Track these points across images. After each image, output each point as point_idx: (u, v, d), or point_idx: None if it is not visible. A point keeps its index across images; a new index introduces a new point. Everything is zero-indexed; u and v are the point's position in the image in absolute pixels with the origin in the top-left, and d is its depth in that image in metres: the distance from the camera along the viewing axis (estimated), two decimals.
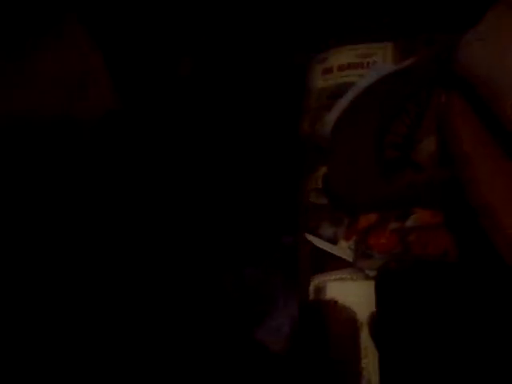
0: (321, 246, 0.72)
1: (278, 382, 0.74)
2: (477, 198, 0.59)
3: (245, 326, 0.80)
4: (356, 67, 0.93)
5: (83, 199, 0.93)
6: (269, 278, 0.84)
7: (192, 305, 0.82)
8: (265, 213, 0.89)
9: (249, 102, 1.09)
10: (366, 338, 0.64)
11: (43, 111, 1.03)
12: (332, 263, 0.71)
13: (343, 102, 0.81)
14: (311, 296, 0.70)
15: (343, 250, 0.71)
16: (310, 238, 0.73)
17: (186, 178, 0.97)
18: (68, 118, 1.06)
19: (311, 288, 0.71)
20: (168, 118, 1.09)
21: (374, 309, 0.63)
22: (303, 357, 0.70)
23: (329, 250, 0.72)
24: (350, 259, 0.70)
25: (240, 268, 0.85)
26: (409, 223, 0.68)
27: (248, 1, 1.12)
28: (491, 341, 0.56)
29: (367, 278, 0.68)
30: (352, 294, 0.68)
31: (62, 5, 1.05)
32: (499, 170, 0.60)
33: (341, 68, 0.95)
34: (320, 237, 0.74)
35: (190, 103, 1.11)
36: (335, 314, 0.68)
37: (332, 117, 0.78)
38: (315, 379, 0.68)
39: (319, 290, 0.70)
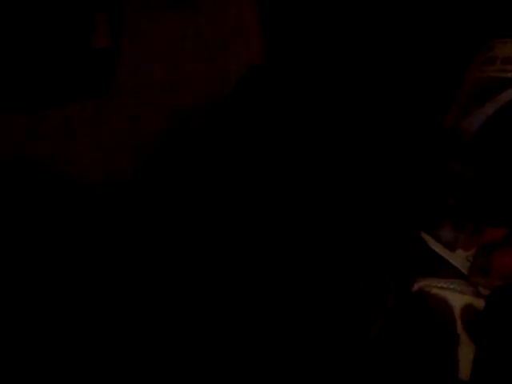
0: (436, 249, 0.67)
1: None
2: None
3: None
4: None
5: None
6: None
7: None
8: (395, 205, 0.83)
9: (401, 79, 1.02)
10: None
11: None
12: (443, 269, 0.66)
13: (500, 101, 0.73)
14: (412, 297, 0.66)
15: (460, 259, 0.66)
16: (427, 237, 0.68)
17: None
18: (210, 72, 1.04)
19: (414, 289, 0.67)
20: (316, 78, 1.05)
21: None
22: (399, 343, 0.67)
23: (443, 255, 0.67)
24: (465, 271, 0.64)
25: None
26: None
27: None
28: None
29: (478, 295, 0.62)
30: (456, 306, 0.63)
31: None
32: None
33: (505, 61, 0.86)
34: (438, 238, 0.69)
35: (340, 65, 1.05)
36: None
37: (483, 114, 0.71)
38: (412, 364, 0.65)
39: (423, 293, 0.66)
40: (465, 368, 0.59)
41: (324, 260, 0.71)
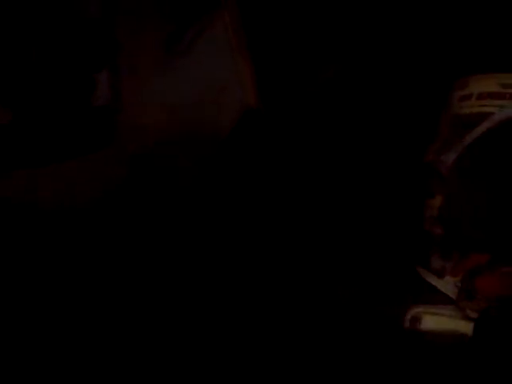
0: (426, 278, 0.72)
1: None
2: None
3: None
4: (496, 97, 0.90)
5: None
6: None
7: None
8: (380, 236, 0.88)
9: (383, 115, 1.08)
10: None
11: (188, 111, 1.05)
12: (434, 296, 0.71)
13: (475, 134, 0.78)
14: (406, 324, 0.70)
15: (448, 285, 0.70)
16: (418, 267, 0.73)
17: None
18: (209, 117, 1.08)
19: (408, 317, 0.71)
20: (307, 121, 1.10)
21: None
22: None
23: (433, 283, 0.71)
24: (454, 296, 0.69)
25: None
26: None
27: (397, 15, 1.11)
28: None
29: (466, 318, 0.66)
30: (447, 330, 0.67)
31: (213, 5, 1.09)
32: None
33: (480, 96, 0.92)
34: (428, 268, 0.73)
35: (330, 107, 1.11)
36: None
37: (460, 147, 0.77)
38: None
39: (415, 319, 0.70)
40: None
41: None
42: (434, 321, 0.68)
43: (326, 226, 0.89)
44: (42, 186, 0.93)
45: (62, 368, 0.78)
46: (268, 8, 1.14)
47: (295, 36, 1.15)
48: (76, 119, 0.96)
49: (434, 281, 0.71)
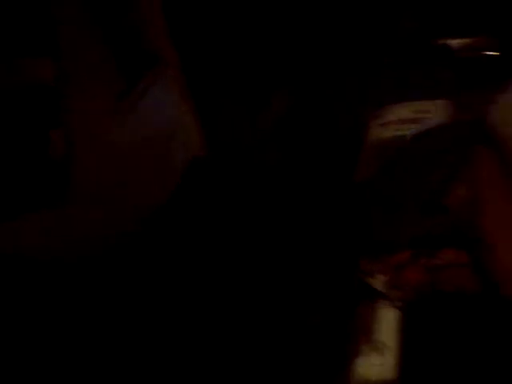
0: (364, 280, 0.80)
1: None
2: (482, 232, 0.67)
3: None
4: (411, 122, 1.03)
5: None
6: None
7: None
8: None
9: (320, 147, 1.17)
10: None
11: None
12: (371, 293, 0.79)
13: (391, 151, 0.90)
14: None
15: (381, 283, 0.79)
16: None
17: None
18: (158, 160, 1.14)
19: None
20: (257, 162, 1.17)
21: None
22: None
23: (369, 283, 0.80)
24: (384, 290, 0.78)
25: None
26: (437, 261, 0.76)
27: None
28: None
29: (395, 307, 0.75)
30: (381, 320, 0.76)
31: (157, 62, 1.18)
32: (506, 213, 0.68)
33: (397, 122, 1.05)
34: (362, 271, 0.82)
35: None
36: None
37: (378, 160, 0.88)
38: None
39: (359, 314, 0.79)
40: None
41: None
42: (368, 313, 0.76)
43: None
44: (25, 236, 0.98)
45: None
46: (208, 57, 1.23)
47: (240, 78, 1.25)
48: (29, 172, 1.01)
49: (369, 281, 0.80)
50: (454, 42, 1.22)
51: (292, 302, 0.88)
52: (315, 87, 1.25)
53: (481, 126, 0.78)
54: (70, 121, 1.05)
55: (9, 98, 1.00)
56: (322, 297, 0.88)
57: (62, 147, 1.06)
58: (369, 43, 1.22)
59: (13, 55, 0.98)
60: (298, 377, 0.79)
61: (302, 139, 1.19)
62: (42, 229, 1.01)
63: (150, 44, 1.18)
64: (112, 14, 1.12)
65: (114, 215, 1.07)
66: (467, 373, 0.65)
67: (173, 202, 1.11)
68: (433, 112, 1.03)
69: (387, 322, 0.74)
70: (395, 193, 0.85)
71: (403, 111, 1.08)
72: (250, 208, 1.06)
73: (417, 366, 0.68)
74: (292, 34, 1.23)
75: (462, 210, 0.74)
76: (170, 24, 1.18)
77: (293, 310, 0.87)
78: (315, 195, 1.05)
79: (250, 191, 1.09)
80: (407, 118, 1.05)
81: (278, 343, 0.83)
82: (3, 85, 0.99)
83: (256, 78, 1.29)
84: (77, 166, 1.05)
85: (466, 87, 1.10)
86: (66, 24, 1.03)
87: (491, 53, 1.20)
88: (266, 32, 1.23)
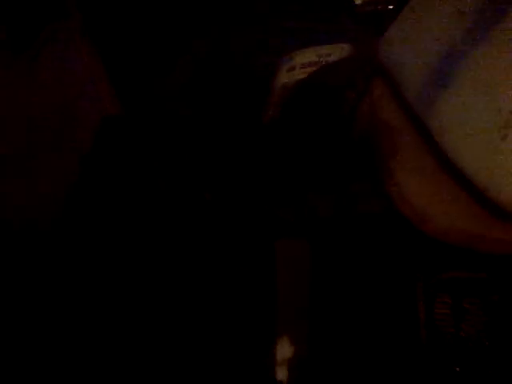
0: None
1: None
2: (382, 164, 0.73)
3: None
4: (316, 65, 1.07)
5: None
6: None
7: None
8: None
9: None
10: None
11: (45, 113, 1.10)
12: None
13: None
14: None
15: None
16: None
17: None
18: (68, 121, 1.13)
19: None
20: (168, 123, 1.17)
21: None
22: None
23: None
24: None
25: None
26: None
27: None
28: None
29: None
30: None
31: (63, 12, 1.14)
32: (405, 143, 0.73)
33: (303, 66, 1.09)
34: None
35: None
36: None
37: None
38: None
39: None
40: None
41: None
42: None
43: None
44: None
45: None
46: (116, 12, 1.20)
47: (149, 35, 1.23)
48: None
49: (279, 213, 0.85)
50: None
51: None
52: (227, 37, 1.26)
53: (374, 59, 0.84)
54: None
55: None
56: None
57: None
58: None
59: None
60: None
61: (212, 92, 1.20)
62: None
63: None
64: None
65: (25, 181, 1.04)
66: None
67: (89, 164, 1.08)
68: (334, 54, 1.07)
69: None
70: (299, 131, 0.90)
71: (307, 55, 1.12)
72: (165, 164, 1.06)
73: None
74: None
75: (365, 139, 0.80)
76: None
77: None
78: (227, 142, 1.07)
79: (163, 148, 1.08)
80: (311, 62, 1.09)
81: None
82: None
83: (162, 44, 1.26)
84: None
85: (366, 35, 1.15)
86: None
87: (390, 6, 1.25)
88: None
